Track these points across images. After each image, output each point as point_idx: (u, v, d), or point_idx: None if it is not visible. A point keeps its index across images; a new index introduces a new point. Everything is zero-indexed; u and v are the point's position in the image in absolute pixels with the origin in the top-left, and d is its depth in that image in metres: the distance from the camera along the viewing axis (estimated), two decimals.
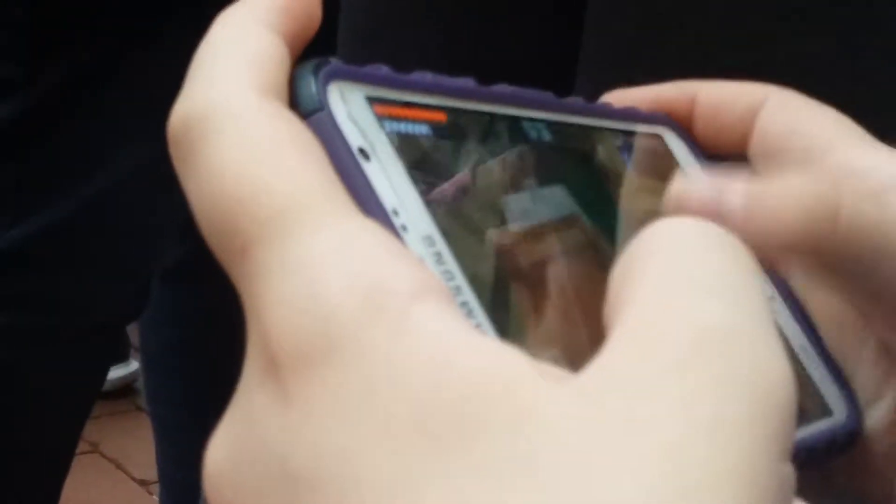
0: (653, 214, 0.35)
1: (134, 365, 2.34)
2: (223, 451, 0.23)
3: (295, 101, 0.26)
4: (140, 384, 2.31)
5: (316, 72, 0.26)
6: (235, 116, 0.24)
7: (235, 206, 0.23)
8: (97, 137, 1.21)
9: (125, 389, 2.31)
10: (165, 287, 1.53)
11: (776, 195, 0.33)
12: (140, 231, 1.27)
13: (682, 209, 0.32)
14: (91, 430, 2.18)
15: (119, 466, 2.10)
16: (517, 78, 0.34)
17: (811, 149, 0.35)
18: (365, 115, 0.26)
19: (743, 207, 0.32)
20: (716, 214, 0.32)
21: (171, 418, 1.57)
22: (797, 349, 0.36)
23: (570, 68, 0.66)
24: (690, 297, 0.21)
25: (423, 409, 0.20)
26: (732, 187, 0.33)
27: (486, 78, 0.31)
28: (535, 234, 0.30)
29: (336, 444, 0.20)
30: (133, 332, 2.04)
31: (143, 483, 2.05)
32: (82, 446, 2.10)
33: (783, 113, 0.37)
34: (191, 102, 0.25)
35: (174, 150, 0.25)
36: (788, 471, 0.20)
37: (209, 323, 1.52)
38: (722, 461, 0.19)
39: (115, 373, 2.23)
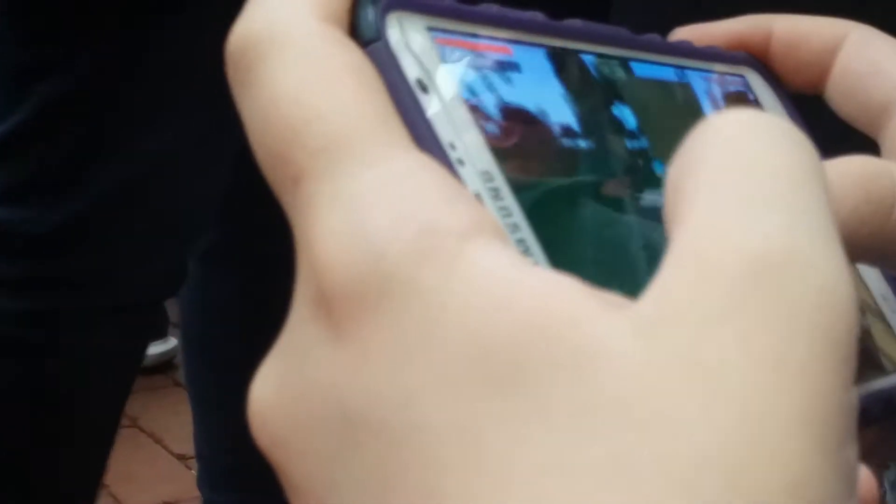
0: None
1: (172, 342, 2.35)
2: (271, 385, 0.22)
3: (354, 31, 0.25)
4: (179, 359, 2.34)
5: (375, 1, 0.25)
6: (294, 41, 0.23)
7: (289, 135, 0.23)
8: (131, 119, 1.21)
9: (164, 365, 2.33)
10: (206, 270, 1.53)
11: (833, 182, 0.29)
12: (176, 210, 1.27)
13: None
14: (130, 405, 2.18)
15: (158, 441, 2.11)
16: None
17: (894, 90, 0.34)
18: (425, 45, 0.26)
19: None
20: None
21: (209, 401, 1.57)
22: (879, 298, 0.35)
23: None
24: (747, 213, 0.20)
25: (481, 350, 0.20)
26: None
27: None
28: (600, 169, 0.29)
29: (394, 387, 0.20)
30: (172, 308, 2.05)
31: (181, 457, 2.06)
32: (122, 421, 2.13)
33: (866, 50, 0.35)
34: (251, 23, 0.24)
35: (231, 72, 0.24)
36: (853, 398, 0.20)
37: (247, 307, 1.51)
38: (789, 402, 0.19)
39: (155, 349, 2.23)
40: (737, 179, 0.21)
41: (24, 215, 1.20)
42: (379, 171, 0.22)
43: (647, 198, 0.30)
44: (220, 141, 1.28)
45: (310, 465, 0.21)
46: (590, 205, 0.28)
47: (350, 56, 0.24)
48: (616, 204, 0.29)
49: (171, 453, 2.06)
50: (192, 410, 1.61)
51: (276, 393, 0.22)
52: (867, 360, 0.33)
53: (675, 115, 0.33)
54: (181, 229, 1.30)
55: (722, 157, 0.21)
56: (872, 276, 0.36)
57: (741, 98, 0.36)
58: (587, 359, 0.19)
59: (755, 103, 0.37)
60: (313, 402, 0.21)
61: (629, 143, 0.30)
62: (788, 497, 0.18)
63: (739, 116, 0.22)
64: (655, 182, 0.30)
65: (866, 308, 0.35)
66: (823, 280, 0.20)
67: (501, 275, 0.20)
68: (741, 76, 0.37)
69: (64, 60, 1.18)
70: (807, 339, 0.19)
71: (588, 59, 0.31)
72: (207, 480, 1.62)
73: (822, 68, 0.36)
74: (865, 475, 0.29)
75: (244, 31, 0.24)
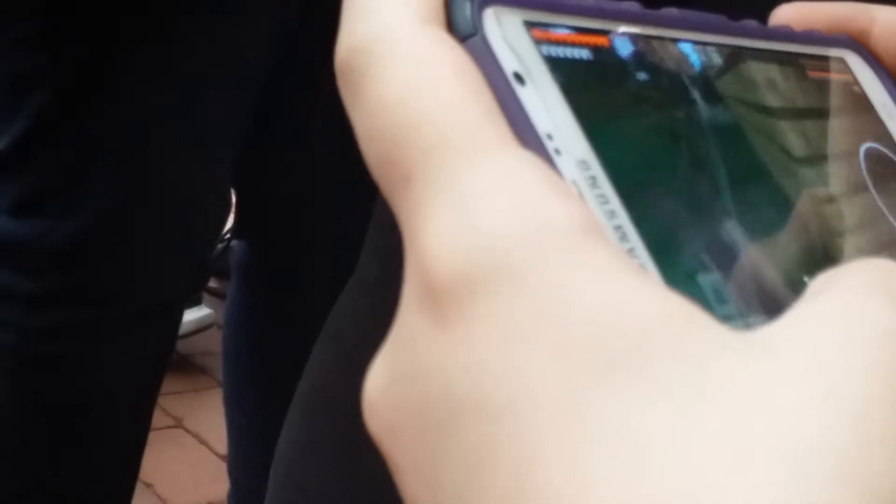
0: (839, 140, 0.34)
1: (206, 310, 2.35)
2: (381, 376, 0.23)
3: (451, 27, 0.26)
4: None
5: None
6: (398, 46, 0.24)
7: (399, 136, 0.24)
8: (132, 120, 1.20)
9: (199, 364, 2.34)
10: (242, 287, 1.52)
11: None
12: (190, 207, 1.27)
13: None
14: (175, 406, 2.21)
15: (202, 442, 2.12)
16: None
17: None
18: (521, 39, 0.26)
19: None
20: None
21: (244, 424, 1.56)
22: None
23: None
24: (884, 303, 0.22)
25: (601, 335, 0.20)
26: None
27: None
28: (697, 156, 0.29)
29: (503, 364, 0.21)
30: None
31: (225, 458, 2.08)
32: (167, 421, 2.14)
33: None
34: (355, 34, 0.25)
35: (342, 83, 0.25)
36: None
37: (277, 328, 1.51)
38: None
39: (190, 316, 2.20)
40: (876, 281, 0.22)
41: (37, 228, 1.20)
42: (488, 168, 0.23)
43: (742, 186, 0.30)
44: (226, 129, 1.28)
45: (416, 449, 0.22)
46: (686, 192, 0.28)
47: (453, 56, 0.25)
48: (711, 193, 0.29)
49: (216, 454, 2.07)
50: (228, 435, 1.60)
51: (385, 382, 0.23)
52: None
53: (773, 101, 0.33)
54: (197, 225, 1.29)
55: (860, 275, 0.23)
56: None
57: (841, 80, 0.36)
58: (712, 353, 0.20)
59: (856, 85, 0.37)
60: (421, 386, 0.22)
61: (727, 130, 0.31)
62: (893, 494, 0.19)
63: (876, 261, 0.23)
64: (751, 169, 0.31)
65: None
66: None
67: (621, 271, 0.21)
68: (842, 59, 0.37)
69: (53, 65, 1.18)
70: None
71: (686, 48, 0.31)
72: (235, 502, 1.61)
73: None
74: None
75: (349, 42, 0.25)
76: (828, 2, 0.37)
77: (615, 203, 0.25)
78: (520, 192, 0.22)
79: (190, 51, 1.21)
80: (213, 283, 2.33)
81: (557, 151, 0.25)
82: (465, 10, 0.26)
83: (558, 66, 0.27)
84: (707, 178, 0.29)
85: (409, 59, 0.24)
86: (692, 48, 0.31)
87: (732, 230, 0.29)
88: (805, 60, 0.36)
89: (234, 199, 1.53)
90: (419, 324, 0.22)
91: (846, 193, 0.34)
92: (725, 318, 0.23)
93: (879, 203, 0.35)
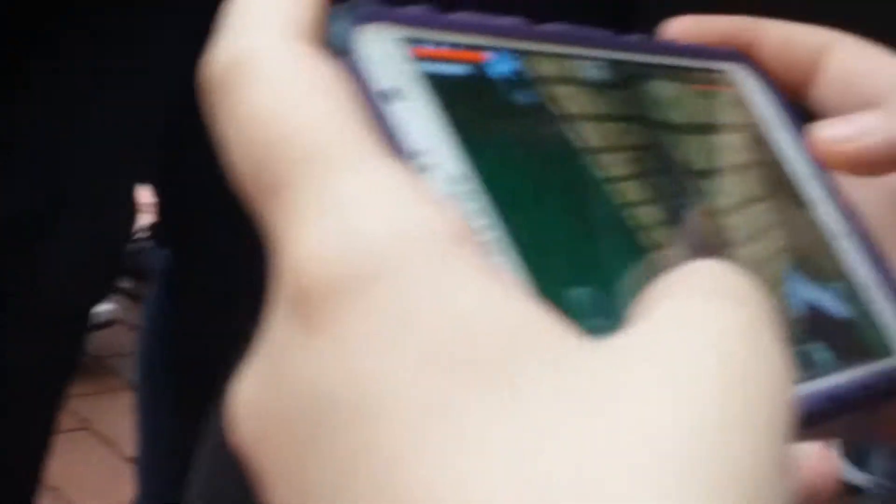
0: (722, 153, 0.35)
1: (107, 305, 2.33)
2: (248, 385, 0.23)
3: (329, 44, 0.26)
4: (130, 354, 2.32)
5: (347, 14, 0.26)
6: (268, 63, 0.25)
7: (267, 149, 0.24)
8: (33, 123, 1.18)
9: (107, 365, 2.32)
10: (161, 298, 1.51)
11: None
12: (95, 211, 1.25)
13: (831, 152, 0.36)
14: (82, 408, 2.18)
15: (110, 444, 2.11)
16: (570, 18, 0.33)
17: (891, 90, 0.37)
18: (396, 56, 0.27)
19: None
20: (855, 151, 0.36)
21: (155, 433, 1.55)
22: (858, 286, 0.36)
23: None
24: (716, 304, 0.23)
25: (464, 342, 0.21)
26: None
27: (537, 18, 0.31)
28: (576, 168, 0.30)
29: (369, 368, 0.21)
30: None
31: (133, 461, 2.06)
32: (74, 423, 2.12)
33: (859, 55, 0.38)
34: (226, 50, 0.25)
35: (209, 97, 0.25)
36: (789, 462, 0.22)
37: (194, 341, 1.49)
38: (738, 410, 0.21)
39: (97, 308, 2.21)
40: (707, 283, 0.23)
41: None
42: (358, 177, 0.23)
43: (621, 192, 0.30)
44: (138, 136, 1.26)
45: (284, 455, 0.22)
46: (565, 206, 0.29)
47: (321, 71, 0.25)
48: (591, 200, 0.29)
49: (124, 457, 2.05)
50: (138, 439, 1.58)
51: (253, 392, 0.23)
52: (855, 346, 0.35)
53: (655, 114, 0.34)
54: (104, 231, 1.28)
55: (692, 278, 0.24)
56: (857, 265, 0.36)
57: (726, 92, 0.37)
58: (566, 363, 0.21)
59: (743, 97, 0.37)
60: (289, 394, 0.22)
61: (607, 144, 0.31)
62: (737, 484, 0.20)
63: (703, 263, 0.24)
64: (631, 183, 0.31)
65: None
66: (767, 337, 0.23)
67: (489, 279, 0.22)
68: (729, 72, 0.37)
69: None
70: (768, 389, 0.22)
71: (567, 63, 0.31)
72: None
73: (810, 70, 0.39)
74: (824, 455, 0.31)
75: (220, 58, 0.25)
76: (717, 16, 0.38)
77: (490, 216, 0.26)
78: (390, 199, 0.23)
79: (99, 54, 1.19)
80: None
81: (429, 167, 0.25)
82: (340, 29, 0.26)
83: (436, 83, 0.27)
84: (587, 192, 0.30)
85: (280, 75, 0.25)
86: (574, 63, 0.32)
87: (611, 243, 0.29)
88: (690, 73, 0.36)
89: (152, 203, 1.52)
90: (288, 331, 0.23)
91: (731, 206, 0.34)
92: (597, 331, 0.23)
93: (766, 215, 0.35)
